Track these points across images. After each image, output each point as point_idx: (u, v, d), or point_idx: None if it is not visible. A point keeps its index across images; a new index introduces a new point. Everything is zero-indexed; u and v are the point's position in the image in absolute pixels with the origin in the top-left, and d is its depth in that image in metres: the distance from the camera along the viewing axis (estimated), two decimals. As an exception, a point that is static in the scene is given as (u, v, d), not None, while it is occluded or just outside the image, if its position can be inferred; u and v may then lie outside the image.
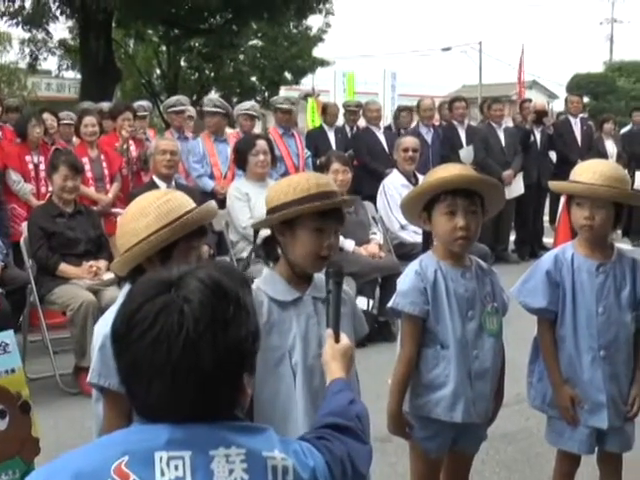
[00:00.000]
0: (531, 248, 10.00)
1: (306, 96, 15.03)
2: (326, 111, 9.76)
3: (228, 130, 8.46)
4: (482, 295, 2.74)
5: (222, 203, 6.18)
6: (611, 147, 10.98)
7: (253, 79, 25.72)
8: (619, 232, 9.40)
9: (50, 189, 6.09)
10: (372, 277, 6.21)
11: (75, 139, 7.96)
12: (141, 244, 2.19)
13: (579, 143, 10.40)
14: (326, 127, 9.55)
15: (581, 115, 10.90)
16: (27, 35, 19.30)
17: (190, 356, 1.30)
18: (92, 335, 2.35)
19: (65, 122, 8.45)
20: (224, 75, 25.04)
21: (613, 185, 2.81)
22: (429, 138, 9.58)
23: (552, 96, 33.77)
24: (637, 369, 2.99)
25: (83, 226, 5.48)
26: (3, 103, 8.56)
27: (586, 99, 22.27)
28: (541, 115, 10.34)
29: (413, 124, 10.25)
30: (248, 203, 6.19)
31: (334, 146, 9.10)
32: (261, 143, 6.44)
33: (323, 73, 24.20)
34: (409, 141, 7.29)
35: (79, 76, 19.68)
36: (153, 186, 5.69)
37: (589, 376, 2.92)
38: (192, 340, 1.30)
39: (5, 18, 16.62)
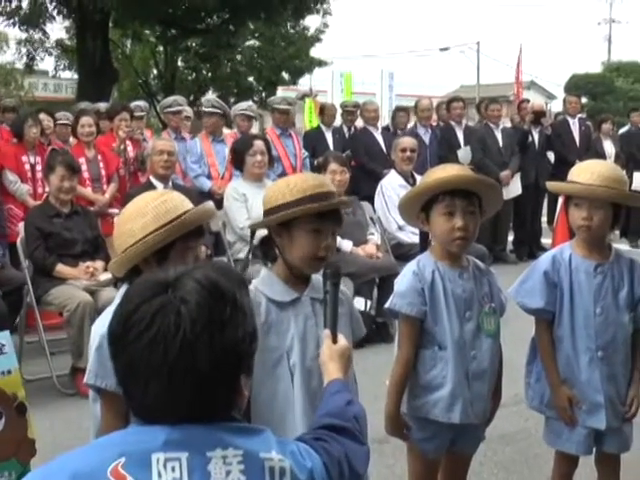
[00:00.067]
0: (529, 248, 10.00)
1: (303, 96, 15.04)
2: (324, 111, 9.76)
3: (226, 130, 8.46)
4: (480, 296, 2.74)
5: (219, 203, 6.18)
6: (609, 148, 10.99)
7: (250, 79, 25.69)
8: (617, 233, 9.40)
9: (47, 189, 6.08)
10: (370, 278, 6.21)
11: (72, 139, 7.96)
12: (137, 245, 2.19)
13: (577, 143, 10.40)
14: (324, 127, 9.54)
15: (579, 115, 10.90)
16: (24, 35, 19.30)
17: (187, 357, 1.30)
18: (89, 336, 2.35)
19: (61, 122, 8.44)
20: (221, 75, 25.01)
21: (611, 186, 2.81)
22: (427, 138, 9.59)
23: (550, 96, 33.84)
24: (635, 369, 2.99)
25: (80, 227, 5.47)
26: (0, 103, 8.55)
27: (584, 99, 22.25)
28: (539, 115, 10.35)
29: (410, 124, 10.25)
30: (245, 204, 6.18)
31: (332, 146, 9.10)
32: (258, 143, 6.43)
33: (320, 73, 24.21)
34: (407, 141, 7.29)
35: (76, 76, 19.69)
36: (150, 187, 5.68)
37: (587, 377, 2.91)
38: (189, 341, 1.30)
39: (2, 18, 16.62)
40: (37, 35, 19.01)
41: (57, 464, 1.33)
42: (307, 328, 2.30)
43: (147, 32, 22.96)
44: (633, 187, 9.14)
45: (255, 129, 9.76)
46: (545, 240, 9.80)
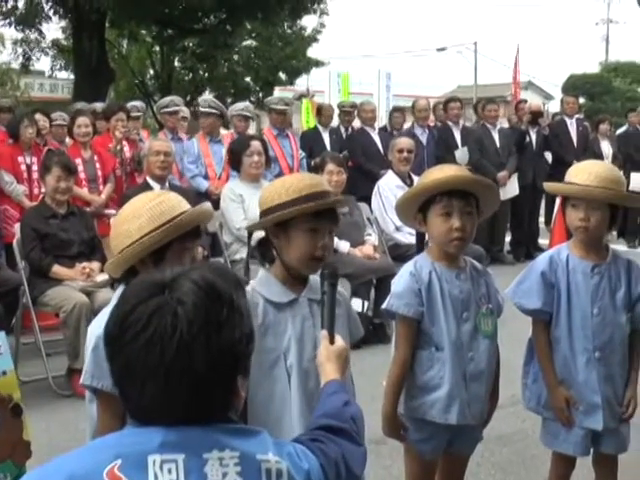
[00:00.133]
0: (526, 249, 10.01)
1: (300, 97, 15.02)
2: (321, 112, 9.76)
3: (223, 131, 8.45)
4: (477, 296, 2.73)
5: (216, 204, 6.17)
6: (607, 148, 10.99)
7: (247, 79, 25.69)
8: (614, 233, 9.42)
9: (43, 190, 6.07)
10: (367, 278, 6.21)
11: (68, 140, 7.94)
12: (134, 245, 2.19)
13: (575, 144, 10.42)
14: (321, 128, 9.54)
15: (577, 116, 10.92)
16: (20, 35, 19.26)
17: (183, 358, 1.29)
18: (85, 337, 2.35)
19: (57, 123, 8.41)
20: (218, 75, 25.00)
21: (608, 186, 2.81)
22: (424, 139, 9.60)
23: (548, 97, 33.86)
24: (632, 370, 2.99)
25: (76, 227, 5.46)
26: (-4, 104, 8.54)
27: (582, 100, 22.33)
28: (537, 116, 10.36)
29: (407, 125, 10.25)
30: (242, 204, 6.18)
31: (329, 147, 9.10)
32: (255, 144, 6.43)
33: (318, 73, 24.18)
34: (404, 142, 7.29)
35: (72, 76, 19.64)
36: (147, 187, 5.68)
37: (584, 377, 2.91)
38: (185, 342, 1.30)
39: (-2, 18, 16.61)
40: (33, 35, 19.01)
41: (53, 466, 1.33)
42: (304, 329, 2.30)
43: (143, 32, 22.92)
44: (630, 188, 9.14)
45: (252, 129, 9.77)
46: (542, 241, 9.80)
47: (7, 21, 16.65)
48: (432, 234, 2.73)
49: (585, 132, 10.79)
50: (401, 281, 2.71)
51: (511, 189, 9.56)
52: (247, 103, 9.20)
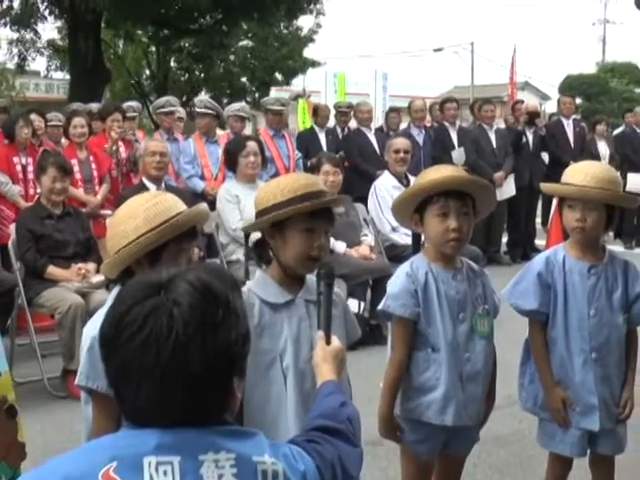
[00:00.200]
0: (523, 250, 10.01)
1: (297, 97, 15.05)
2: (317, 112, 9.76)
3: (219, 131, 8.45)
4: (473, 297, 2.73)
5: (212, 204, 6.16)
6: (604, 149, 11.00)
7: (243, 80, 25.71)
8: (611, 234, 9.42)
9: (38, 191, 6.05)
10: (363, 279, 6.20)
11: (64, 140, 7.93)
12: (130, 246, 2.19)
13: (572, 144, 10.43)
14: (317, 128, 9.54)
15: (574, 116, 10.92)
16: (15, 35, 19.24)
17: (179, 359, 1.29)
18: (80, 338, 2.34)
19: (52, 123, 8.40)
20: (214, 76, 25.01)
21: (605, 187, 2.81)
22: (420, 139, 9.59)
23: (544, 97, 33.92)
24: (629, 371, 2.99)
25: (72, 228, 5.45)
26: (-9, 104, 8.52)
27: (579, 100, 22.35)
28: (533, 116, 10.37)
29: (403, 125, 10.25)
30: (238, 205, 6.17)
31: (325, 147, 9.10)
32: (251, 144, 6.42)
33: (314, 74, 24.22)
34: (400, 142, 7.29)
35: (68, 77, 19.66)
36: (143, 188, 5.67)
37: (580, 378, 2.91)
38: (181, 343, 1.29)
39: (-7, 18, 16.58)
40: (29, 35, 18.97)
41: (48, 468, 1.32)
42: (301, 330, 2.29)
43: (139, 32, 22.93)
44: (627, 188, 9.13)
45: (248, 130, 9.75)
46: (539, 241, 9.82)
47: (2, 21, 16.64)
48: (428, 235, 2.72)
49: (582, 133, 10.80)
50: (397, 282, 2.70)
51: (508, 190, 9.57)
52: (243, 103, 9.21)
